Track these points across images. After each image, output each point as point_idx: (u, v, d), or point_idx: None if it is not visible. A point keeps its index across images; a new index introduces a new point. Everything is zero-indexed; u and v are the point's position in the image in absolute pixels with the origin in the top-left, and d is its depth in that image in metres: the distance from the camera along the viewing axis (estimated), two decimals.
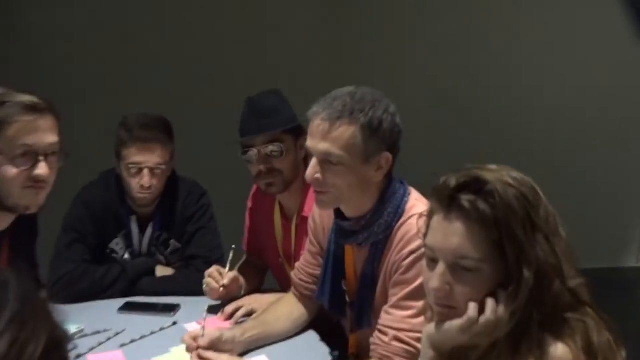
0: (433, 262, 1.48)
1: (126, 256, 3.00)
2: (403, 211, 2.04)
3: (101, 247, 2.96)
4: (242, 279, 2.73)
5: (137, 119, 2.77)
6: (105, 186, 2.92)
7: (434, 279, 1.45)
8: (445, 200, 1.44)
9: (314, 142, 1.96)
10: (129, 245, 3.00)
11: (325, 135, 1.93)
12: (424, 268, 1.52)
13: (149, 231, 3.00)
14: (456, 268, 1.44)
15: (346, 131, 1.92)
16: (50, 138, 2.03)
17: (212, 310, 2.55)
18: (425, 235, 1.51)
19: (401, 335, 1.98)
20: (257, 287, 2.90)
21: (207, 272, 2.60)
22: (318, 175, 1.95)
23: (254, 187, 2.95)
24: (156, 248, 3.03)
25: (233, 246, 2.58)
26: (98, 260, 2.91)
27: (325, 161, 1.95)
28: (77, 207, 2.90)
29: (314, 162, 1.95)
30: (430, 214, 1.50)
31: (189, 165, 3.21)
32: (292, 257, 2.78)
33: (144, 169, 2.78)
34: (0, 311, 0.83)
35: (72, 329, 2.33)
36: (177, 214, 2.97)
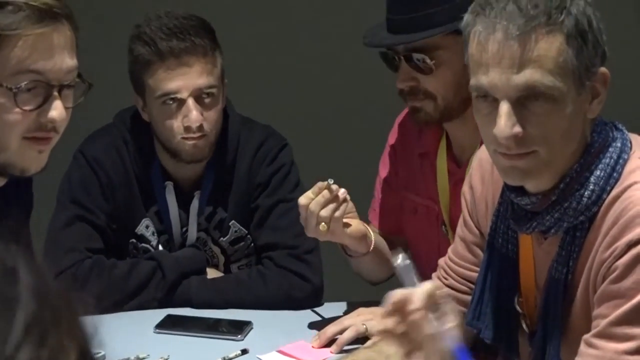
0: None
1: (161, 247, 2.60)
2: (620, 175, 1.74)
3: (120, 233, 2.54)
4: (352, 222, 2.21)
5: (160, 24, 2.32)
6: (122, 136, 2.51)
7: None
8: None
9: (496, 74, 1.70)
10: (164, 228, 2.56)
11: (521, 59, 1.69)
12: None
13: (194, 206, 2.53)
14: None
15: (550, 45, 1.69)
16: (68, 61, 1.73)
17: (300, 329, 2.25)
18: None
19: None
20: (382, 278, 2.42)
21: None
22: (518, 129, 1.69)
23: (402, 113, 2.50)
24: (207, 233, 2.58)
25: (330, 181, 2.08)
26: (117, 254, 2.52)
27: (524, 101, 1.71)
28: (79, 169, 2.47)
29: (504, 110, 1.69)
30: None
31: None
32: None
33: (185, 100, 2.32)
34: (11, 313, 0.73)
35: None
36: (239, 178, 2.54)
